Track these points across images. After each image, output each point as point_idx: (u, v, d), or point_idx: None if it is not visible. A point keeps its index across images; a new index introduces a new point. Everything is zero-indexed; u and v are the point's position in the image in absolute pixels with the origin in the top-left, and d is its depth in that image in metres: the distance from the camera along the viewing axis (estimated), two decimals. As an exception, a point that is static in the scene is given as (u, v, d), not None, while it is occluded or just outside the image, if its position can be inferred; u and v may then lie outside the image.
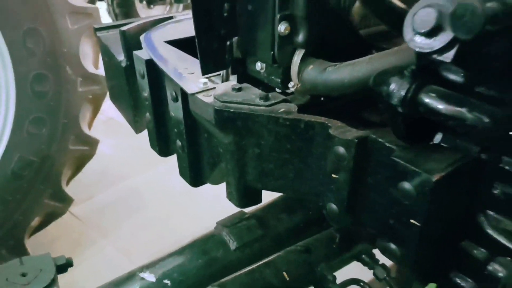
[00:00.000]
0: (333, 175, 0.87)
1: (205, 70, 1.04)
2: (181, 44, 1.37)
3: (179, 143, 1.23)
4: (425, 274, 0.87)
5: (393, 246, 0.82)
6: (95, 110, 2.39)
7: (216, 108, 0.94)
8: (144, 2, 4.22)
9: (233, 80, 1.10)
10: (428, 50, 0.54)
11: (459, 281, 0.84)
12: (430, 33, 0.53)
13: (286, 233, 1.14)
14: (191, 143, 1.20)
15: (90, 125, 2.40)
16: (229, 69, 1.07)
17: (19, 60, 1.90)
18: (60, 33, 1.98)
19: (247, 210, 1.23)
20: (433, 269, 0.86)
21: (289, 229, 1.14)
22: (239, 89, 0.99)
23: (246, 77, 1.07)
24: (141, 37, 1.41)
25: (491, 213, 0.72)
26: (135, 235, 2.72)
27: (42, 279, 0.81)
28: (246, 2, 0.91)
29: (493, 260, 0.67)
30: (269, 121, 0.92)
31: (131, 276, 1.05)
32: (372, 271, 1.12)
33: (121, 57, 1.55)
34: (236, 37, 1.00)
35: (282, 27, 0.87)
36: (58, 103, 2.07)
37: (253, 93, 0.98)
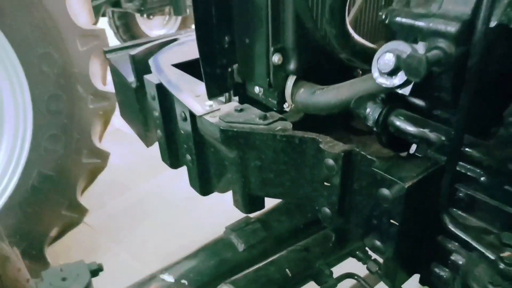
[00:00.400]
0: (325, 183, 1.01)
1: (210, 94, 1.18)
2: (186, 66, 1.51)
3: (188, 157, 1.37)
4: (408, 266, 1.01)
5: (378, 242, 0.96)
6: (105, 124, 2.53)
7: (222, 128, 1.08)
8: (145, 15, 4.37)
9: (235, 101, 1.24)
10: (390, 86, 0.68)
11: (438, 271, 0.98)
12: (391, 73, 0.67)
13: (287, 234, 1.28)
14: (200, 157, 1.34)
15: (100, 138, 2.54)
16: (231, 92, 1.21)
17: (35, 83, 2.04)
18: (71, 55, 2.12)
19: (252, 215, 1.37)
20: (414, 261, 1.00)
21: (289, 230, 1.28)
22: (241, 110, 1.13)
23: (246, 98, 1.21)
24: (150, 61, 1.55)
25: (456, 211, 0.86)
26: (146, 240, 2.86)
27: (80, 283, 0.95)
28: (244, 36, 1.05)
29: (455, 251, 0.80)
30: (268, 138, 1.06)
31: (152, 278, 1.19)
32: (365, 265, 1.26)
33: (131, 78, 1.70)
34: (236, 65, 1.14)
35: (276, 58, 1.01)
36: (71, 120, 2.21)
37: (253, 113, 1.12)
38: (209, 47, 1.09)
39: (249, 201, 1.22)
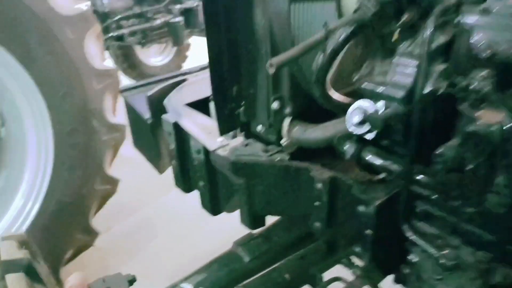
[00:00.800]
0: (315, 203, 1.27)
1: (222, 131, 1.44)
2: (196, 105, 1.78)
3: (201, 183, 1.63)
4: (383, 267, 1.26)
5: (358, 248, 1.21)
6: (115, 153, 2.77)
7: (232, 161, 1.34)
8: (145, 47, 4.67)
9: (241, 136, 1.50)
10: (359, 133, 0.95)
11: (407, 271, 1.23)
12: (359, 124, 0.94)
13: (285, 246, 1.52)
14: (211, 183, 1.59)
15: (110, 166, 2.78)
16: (238, 129, 1.48)
17: (57, 120, 2.28)
18: (88, 93, 2.37)
19: (255, 231, 1.62)
20: (388, 263, 1.25)
21: (287, 243, 1.53)
22: (247, 145, 1.40)
23: (250, 134, 1.48)
24: (165, 102, 1.81)
25: (416, 221, 1.12)
26: (153, 260, 3.07)
27: (122, 289, 1.18)
28: (250, 87, 1.33)
29: (414, 252, 1.06)
30: (269, 167, 1.33)
31: (174, 286, 1.42)
32: (350, 270, 1.50)
33: (147, 115, 1.96)
34: (242, 108, 1.41)
35: (275, 105, 1.28)
36: (87, 151, 2.45)
37: (257, 147, 1.39)
38: (222, 95, 1.36)
39: (253, 219, 1.47)
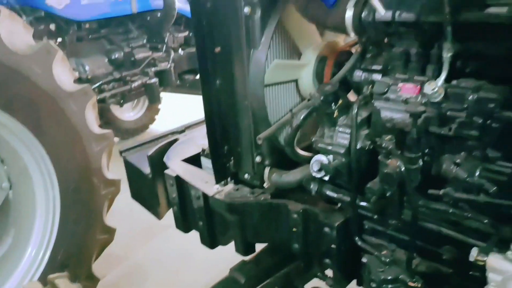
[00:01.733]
0: (293, 229, 1.70)
1: (217, 180, 1.87)
2: (190, 160, 2.20)
3: (200, 222, 2.03)
4: (347, 274, 1.70)
5: (327, 260, 1.65)
6: (110, 204, 3.11)
7: (226, 202, 1.77)
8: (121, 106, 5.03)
9: (231, 183, 1.93)
10: (319, 176, 1.41)
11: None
12: (318, 171, 1.40)
13: (272, 267, 1.93)
14: (209, 222, 1.99)
15: (107, 216, 3.11)
16: (229, 178, 1.91)
17: (63, 180, 2.62)
18: (89, 154, 2.73)
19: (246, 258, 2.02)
20: (349, 269, 1.68)
21: (274, 264, 1.94)
22: (237, 189, 1.83)
23: (239, 181, 1.91)
24: (165, 159, 2.23)
25: (366, 235, 1.58)
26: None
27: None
28: (237, 146, 1.78)
29: (364, 256, 1.50)
30: (256, 205, 1.76)
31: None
32: (325, 282, 1.93)
33: (147, 170, 2.35)
34: (232, 162, 1.86)
35: (257, 159, 1.74)
36: (88, 205, 2.78)
37: (245, 191, 1.82)
38: (216, 153, 1.81)
39: (245, 247, 1.88)
